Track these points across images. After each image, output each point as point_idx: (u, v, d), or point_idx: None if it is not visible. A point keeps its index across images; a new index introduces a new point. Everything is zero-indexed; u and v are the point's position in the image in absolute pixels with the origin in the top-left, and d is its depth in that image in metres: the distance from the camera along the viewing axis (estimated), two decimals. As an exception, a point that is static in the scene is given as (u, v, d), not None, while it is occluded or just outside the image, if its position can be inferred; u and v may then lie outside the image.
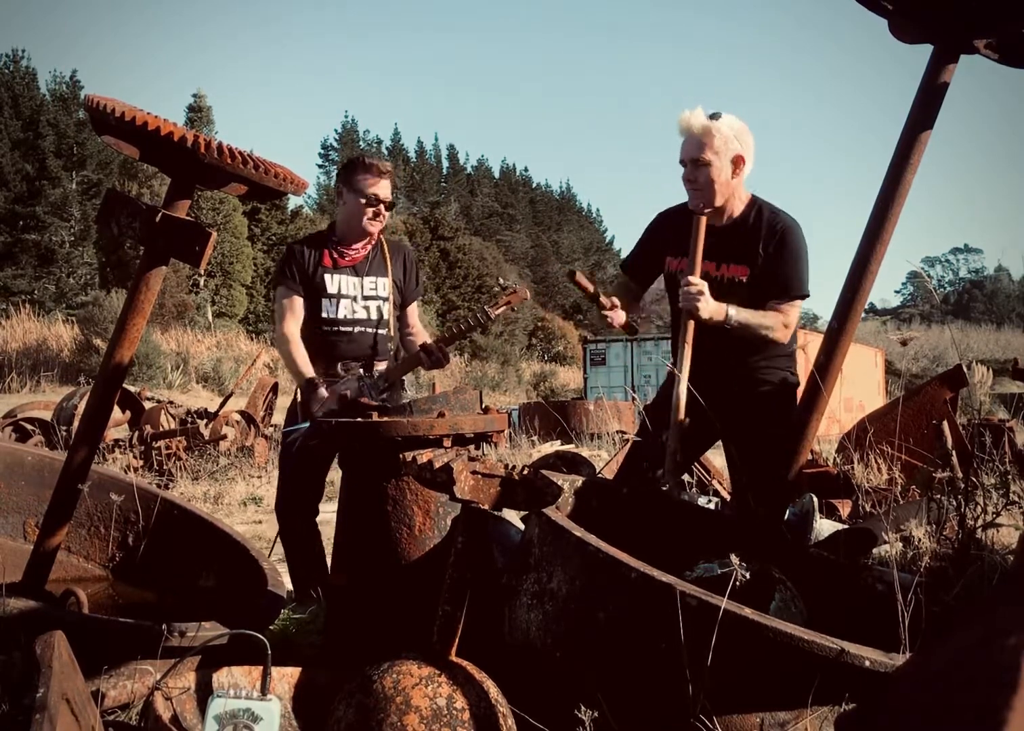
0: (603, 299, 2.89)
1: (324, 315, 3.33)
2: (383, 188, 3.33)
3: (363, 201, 3.28)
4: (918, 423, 3.92)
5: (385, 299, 3.41)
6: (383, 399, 2.97)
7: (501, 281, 3.04)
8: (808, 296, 2.89)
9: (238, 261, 31.57)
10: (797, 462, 2.82)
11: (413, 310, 3.57)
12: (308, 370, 3.18)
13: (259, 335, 31.54)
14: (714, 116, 2.80)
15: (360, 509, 2.30)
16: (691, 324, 2.77)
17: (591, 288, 2.86)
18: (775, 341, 2.82)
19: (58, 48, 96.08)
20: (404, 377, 3.30)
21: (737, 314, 2.74)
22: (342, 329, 3.34)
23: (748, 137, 2.85)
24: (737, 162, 2.82)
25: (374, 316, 3.38)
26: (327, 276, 3.34)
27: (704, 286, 2.72)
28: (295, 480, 3.37)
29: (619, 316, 2.92)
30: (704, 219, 2.81)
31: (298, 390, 3.32)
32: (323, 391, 3.07)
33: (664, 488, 2.64)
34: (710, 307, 2.72)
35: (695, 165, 2.82)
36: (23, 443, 6.02)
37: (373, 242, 3.43)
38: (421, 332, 3.54)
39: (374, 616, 2.23)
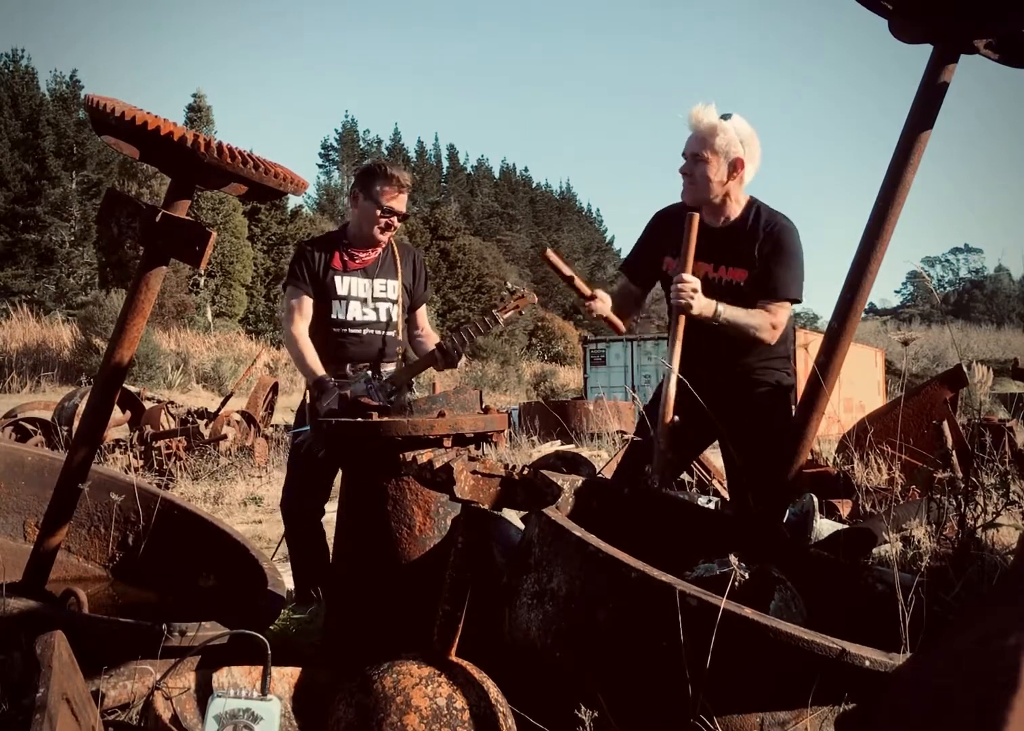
0: (580, 284, 2.82)
1: (334, 317, 3.33)
2: (401, 202, 3.32)
3: (378, 212, 3.27)
4: (918, 423, 3.92)
5: (394, 301, 3.41)
6: (390, 401, 2.97)
7: (509, 285, 3.02)
8: (799, 300, 2.89)
9: (238, 261, 31.57)
10: (797, 462, 2.82)
11: (422, 312, 3.57)
12: (318, 369, 3.17)
13: (259, 335, 31.54)
14: (724, 116, 2.82)
15: (360, 509, 2.30)
16: (682, 320, 2.78)
17: (565, 270, 2.78)
18: (763, 341, 2.82)
19: (58, 48, 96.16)
20: (412, 380, 3.30)
21: (725, 311, 2.75)
22: (351, 331, 3.34)
23: (754, 143, 2.87)
24: (736, 165, 2.83)
25: (383, 318, 3.38)
26: (337, 278, 3.34)
27: (697, 284, 2.75)
28: (303, 481, 3.37)
29: (600, 307, 2.87)
30: (697, 217, 2.82)
31: (307, 391, 3.31)
32: (333, 389, 3.07)
33: (654, 485, 2.64)
34: (701, 304, 2.74)
35: (694, 160, 2.85)
36: (23, 443, 6.02)
37: (383, 246, 3.43)
38: (431, 334, 3.54)
39: (374, 616, 2.23)
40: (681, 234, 2.84)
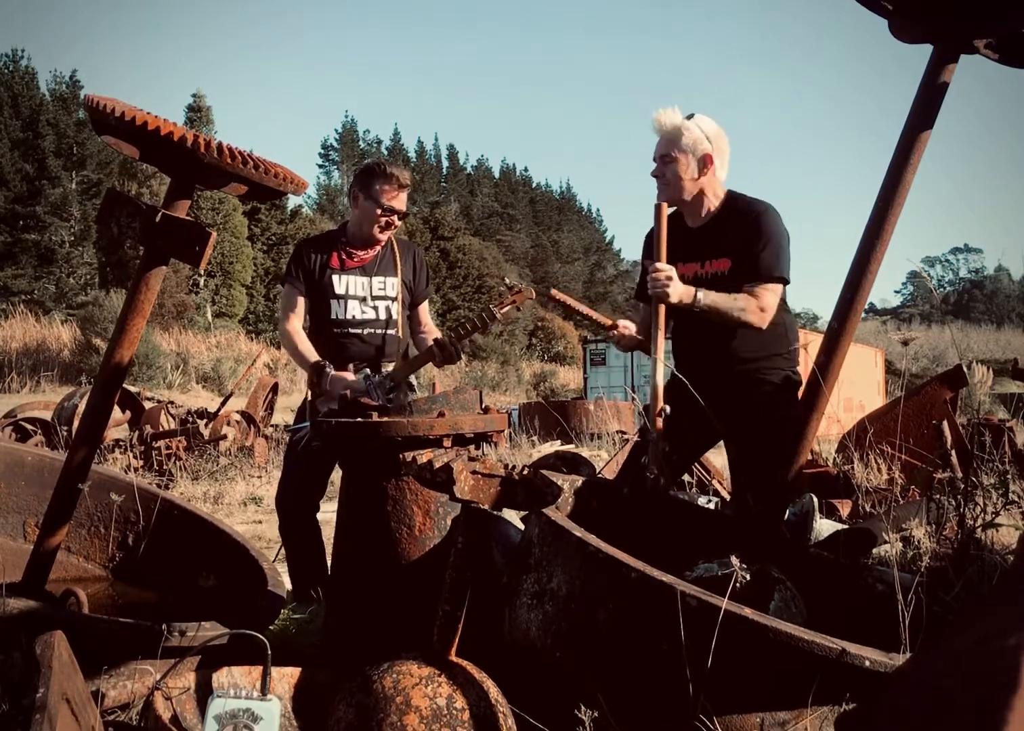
0: (598, 317, 2.94)
1: (333, 316, 3.32)
2: (400, 201, 3.31)
3: (378, 211, 3.26)
4: (918, 423, 3.92)
5: (394, 299, 3.40)
6: (389, 399, 2.96)
7: (507, 281, 3.02)
8: (786, 280, 2.84)
9: (238, 261, 31.57)
10: (797, 462, 2.82)
11: (424, 309, 3.55)
12: (313, 356, 3.17)
13: (259, 335, 31.54)
14: (689, 117, 2.87)
15: (360, 509, 2.30)
16: (661, 309, 2.78)
17: (580, 307, 2.92)
18: (751, 324, 2.79)
19: (58, 48, 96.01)
20: (412, 379, 3.29)
21: (705, 297, 2.73)
22: (351, 330, 3.33)
23: (722, 140, 2.90)
24: (705, 161, 2.85)
25: (383, 316, 3.37)
26: (335, 277, 3.33)
27: (672, 271, 2.74)
28: (299, 477, 3.37)
29: (627, 334, 2.94)
30: (664, 207, 2.84)
31: (308, 390, 3.31)
32: (332, 372, 3.07)
33: (651, 476, 2.63)
34: (678, 291, 2.73)
35: (663, 161, 2.89)
36: (23, 443, 6.02)
37: (383, 244, 3.43)
38: (433, 330, 3.52)
39: (374, 616, 2.23)
40: (673, 242, 2.85)
